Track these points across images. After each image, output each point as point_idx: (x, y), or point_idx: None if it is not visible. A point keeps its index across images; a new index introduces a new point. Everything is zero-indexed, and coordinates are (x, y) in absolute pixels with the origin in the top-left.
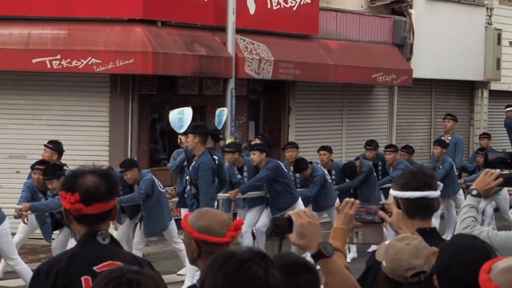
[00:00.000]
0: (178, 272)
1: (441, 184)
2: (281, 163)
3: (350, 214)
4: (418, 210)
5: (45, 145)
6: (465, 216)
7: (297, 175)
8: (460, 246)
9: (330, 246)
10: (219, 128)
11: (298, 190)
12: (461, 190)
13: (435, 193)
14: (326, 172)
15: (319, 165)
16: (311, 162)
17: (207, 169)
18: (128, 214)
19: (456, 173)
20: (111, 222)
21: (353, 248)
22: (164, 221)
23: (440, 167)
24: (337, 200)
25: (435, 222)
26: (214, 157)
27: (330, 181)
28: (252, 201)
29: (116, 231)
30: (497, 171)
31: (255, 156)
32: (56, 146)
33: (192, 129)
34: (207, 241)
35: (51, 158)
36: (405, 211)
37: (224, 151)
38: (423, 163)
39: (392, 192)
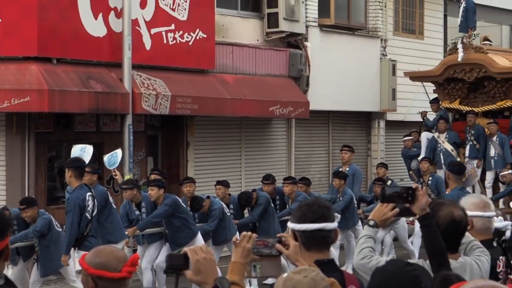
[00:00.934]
0: None
1: (338, 216)
2: (179, 199)
3: (247, 247)
4: (315, 242)
5: None
6: (362, 247)
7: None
8: (391, 272)
9: (227, 281)
10: (111, 168)
11: (197, 224)
12: (360, 221)
13: (332, 225)
14: (224, 205)
15: (217, 199)
16: (208, 197)
17: (73, 205)
18: (22, 255)
19: (355, 204)
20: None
21: (254, 281)
22: (60, 260)
23: (341, 198)
24: (236, 234)
25: (334, 253)
26: (89, 193)
27: (229, 214)
28: (151, 237)
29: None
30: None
31: (153, 192)
32: None
33: (67, 163)
34: (103, 276)
35: None
36: (302, 243)
37: (121, 188)
38: (321, 194)
39: (290, 225)
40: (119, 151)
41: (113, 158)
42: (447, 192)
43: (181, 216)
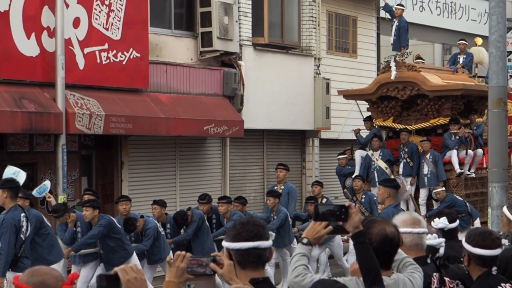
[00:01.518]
0: None
1: (273, 234)
2: (114, 219)
3: (181, 267)
4: (249, 260)
5: None
6: (296, 265)
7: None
8: None
9: None
10: (36, 196)
11: (132, 245)
12: (295, 239)
13: (267, 243)
14: (159, 224)
15: (151, 218)
16: (142, 216)
17: (8, 226)
18: None
19: (290, 222)
20: None
21: None
22: None
23: (275, 217)
24: (170, 253)
25: (270, 271)
26: (23, 214)
27: (163, 233)
28: (86, 257)
29: None
30: None
31: (88, 213)
32: None
33: (1, 184)
34: None
35: None
36: (237, 262)
37: (52, 216)
38: (256, 213)
39: (224, 244)
40: (47, 183)
41: (41, 188)
42: (379, 210)
43: (116, 236)
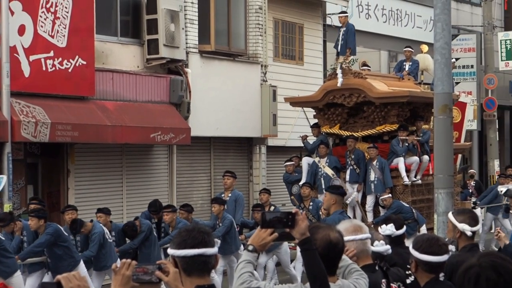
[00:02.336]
0: None
1: (219, 241)
2: (60, 228)
3: (127, 275)
4: (195, 267)
5: None
6: (242, 272)
7: (78, 238)
8: None
9: None
10: None
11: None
12: (242, 246)
13: (212, 250)
14: (106, 230)
15: (99, 224)
16: (91, 221)
17: None
18: None
19: (237, 229)
20: None
21: None
22: None
23: (220, 224)
24: (117, 261)
25: (217, 279)
26: None
27: (110, 240)
28: (32, 266)
29: None
30: None
31: (33, 223)
32: None
33: None
34: None
35: None
36: (182, 269)
37: None
38: (203, 220)
39: (169, 251)
40: (4, 177)
41: None
42: (322, 215)
43: (63, 245)
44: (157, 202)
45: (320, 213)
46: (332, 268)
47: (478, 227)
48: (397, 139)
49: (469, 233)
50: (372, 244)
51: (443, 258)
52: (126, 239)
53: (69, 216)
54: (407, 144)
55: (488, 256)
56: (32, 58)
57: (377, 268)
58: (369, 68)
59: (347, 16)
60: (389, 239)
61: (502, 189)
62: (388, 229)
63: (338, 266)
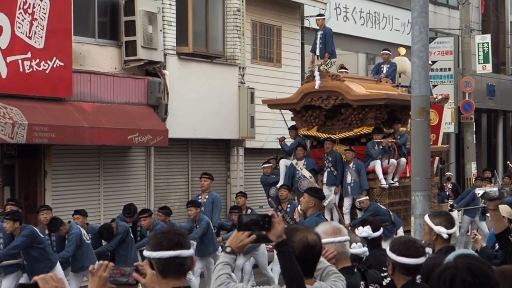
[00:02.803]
0: None
1: (195, 243)
2: (36, 229)
3: (104, 276)
4: (170, 269)
5: None
6: (219, 274)
7: (53, 238)
8: None
9: None
10: None
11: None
12: (219, 248)
13: (188, 252)
14: (84, 231)
15: (77, 225)
16: (69, 221)
17: None
18: None
19: (215, 231)
20: None
21: None
22: None
23: (197, 226)
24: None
25: (195, 281)
26: None
27: (88, 242)
28: (8, 268)
29: None
30: None
31: (8, 226)
32: None
33: None
34: None
35: None
36: (158, 271)
37: None
38: (180, 223)
39: (145, 253)
40: None
41: None
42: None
43: (39, 246)
44: (131, 206)
45: (295, 215)
46: (310, 270)
47: (455, 230)
48: (372, 142)
49: (445, 236)
50: (349, 246)
51: (420, 260)
52: (103, 241)
53: (44, 216)
54: (381, 147)
55: (465, 258)
56: (9, 59)
57: (355, 270)
58: (346, 70)
59: (324, 19)
60: (366, 241)
61: (479, 191)
62: (364, 231)
63: (315, 269)
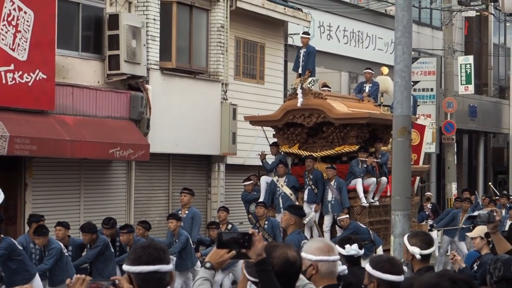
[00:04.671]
0: None
1: (174, 258)
2: (14, 242)
3: None
4: (150, 284)
5: None
6: None
7: (37, 247)
8: None
9: None
10: None
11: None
12: (198, 262)
13: (167, 267)
14: (63, 246)
15: (54, 239)
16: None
17: None
18: None
19: (194, 246)
20: None
21: None
22: None
23: (176, 241)
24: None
25: None
26: None
27: (67, 255)
28: None
29: None
30: None
31: None
32: None
33: None
34: None
35: None
36: (137, 285)
37: None
38: (159, 238)
39: (125, 267)
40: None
41: None
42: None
43: (17, 258)
44: (111, 219)
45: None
46: (289, 287)
47: (431, 250)
48: (356, 160)
49: (417, 256)
50: None
51: (402, 278)
52: (83, 254)
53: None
54: (366, 166)
55: (448, 272)
56: None
57: None
58: (329, 89)
59: (309, 38)
60: (346, 258)
61: (476, 213)
62: (353, 249)
63: (294, 285)
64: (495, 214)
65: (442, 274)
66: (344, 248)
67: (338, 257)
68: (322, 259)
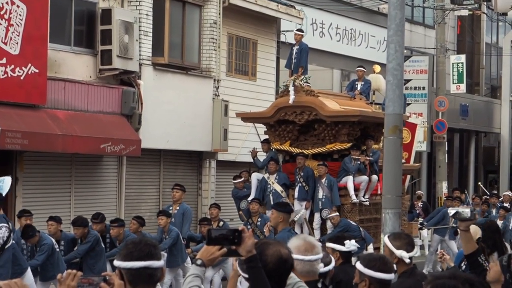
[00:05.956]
0: None
1: (165, 254)
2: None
3: (72, 285)
4: (141, 279)
5: None
6: (189, 285)
7: (26, 245)
8: None
9: None
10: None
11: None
12: (189, 259)
13: (158, 263)
14: (54, 241)
15: (47, 235)
16: (39, 231)
17: None
18: None
19: (184, 243)
20: None
21: None
22: None
23: (167, 237)
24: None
25: None
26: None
27: (58, 251)
28: None
29: None
30: None
31: None
32: None
33: None
34: None
35: None
36: (128, 281)
37: None
38: (150, 234)
39: (116, 263)
40: (7, 178)
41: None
42: (267, 234)
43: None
44: (100, 214)
45: (265, 230)
46: (280, 284)
47: (415, 251)
48: (349, 157)
49: (407, 260)
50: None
51: (393, 276)
52: (75, 249)
53: (23, 221)
54: (358, 163)
55: (460, 273)
56: None
57: (319, 285)
58: (302, 33)
59: (302, 35)
60: (343, 254)
61: (451, 211)
62: (352, 244)
63: (286, 283)
64: (475, 213)
65: (457, 276)
66: (343, 244)
67: (316, 256)
68: (298, 258)
